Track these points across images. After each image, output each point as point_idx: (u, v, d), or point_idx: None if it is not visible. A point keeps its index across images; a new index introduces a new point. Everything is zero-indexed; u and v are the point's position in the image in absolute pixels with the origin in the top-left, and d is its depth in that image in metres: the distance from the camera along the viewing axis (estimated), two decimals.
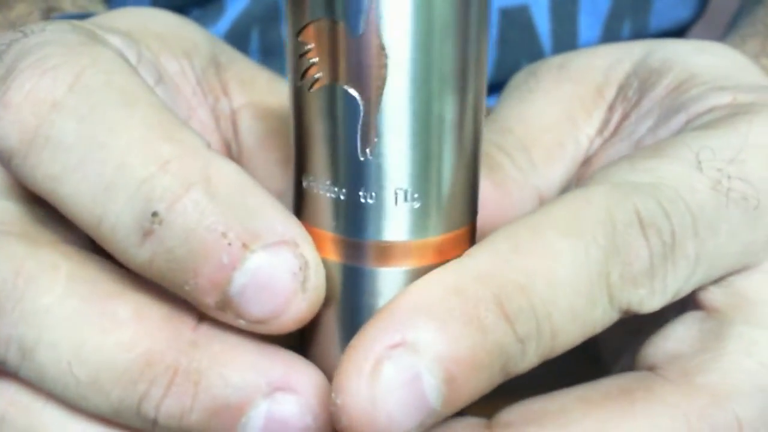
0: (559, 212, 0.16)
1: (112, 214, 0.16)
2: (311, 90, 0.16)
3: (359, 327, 0.16)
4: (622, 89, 0.22)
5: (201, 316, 0.17)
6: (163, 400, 0.16)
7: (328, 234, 0.17)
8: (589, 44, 0.48)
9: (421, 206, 0.16)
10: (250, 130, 0.22)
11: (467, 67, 0.16)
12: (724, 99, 0.20)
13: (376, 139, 0.16)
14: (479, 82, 0.16)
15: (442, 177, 0.16)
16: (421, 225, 0.16)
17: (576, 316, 0.16)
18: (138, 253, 0.16)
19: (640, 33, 0.49)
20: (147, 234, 0.16)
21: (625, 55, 0.23)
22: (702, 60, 0.22)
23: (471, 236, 0.18)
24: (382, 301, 0.17)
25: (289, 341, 0.18)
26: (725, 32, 0.45)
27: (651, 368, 0.18)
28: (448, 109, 0.16)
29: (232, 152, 0.23)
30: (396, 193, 0.16)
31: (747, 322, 0.18)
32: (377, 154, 0.16)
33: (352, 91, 0.15)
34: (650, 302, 0.17)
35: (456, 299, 0.15)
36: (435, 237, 0.17)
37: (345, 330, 0.17)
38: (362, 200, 0.16)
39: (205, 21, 0.42)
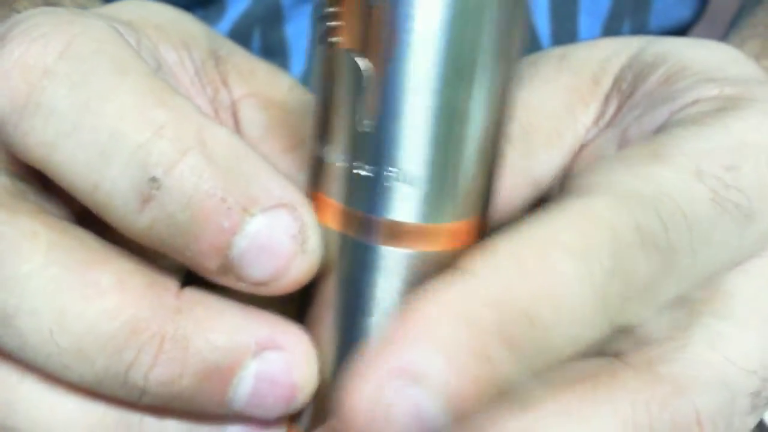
0: (564, 229, 0.16)
1: (108, 181, 0.16)
2: (328, 53, 0.16)
3: (354, 300, 0.17)
4: (616, 82, 0.22)
5: (182, 282, 0.17)
6: (153, 368, 0.16)
7: (332, 202, 0.17)
8: None
9: (420, 190, 0.16)
10: (251, 121, 0.23)
11: (491, 57, 0.15)
12: (710, 91, 0.20)
13: (376, 113, 0.16)
14: (504, 75, 0.16)
15: (442, 165, 0.16)
16: (415, 209, 0.16)
17: (576, 340, 0.16)
18: (137, 219, 0.16)
19: (640, 33, 0.49)
20: (146, 200, 0.16)
21: (623, 48, 0.23)
22: (694, 53, 0.22)
23: (479, 228, 0.17)
24: (378, 277, 0.17)
25: (288, 312, 0.18)
26: (726, 32, 0.45)
27: (617, 354, 0.18)
28: (458, 97, 0.15)
29: None
30: (389, 172, 0.16)
31: (716, 314, 0.18)
32: (376, 128, 0.16)
33: (363, 60, 0.15)
34: (642, 316, 0.17)
35: (464, 329, 0.15)
36: (432, 224, 0.16)
37: (341, 301, 0.17)
38: (358, 171, 0.16)
39: (206, 21, 0.42)
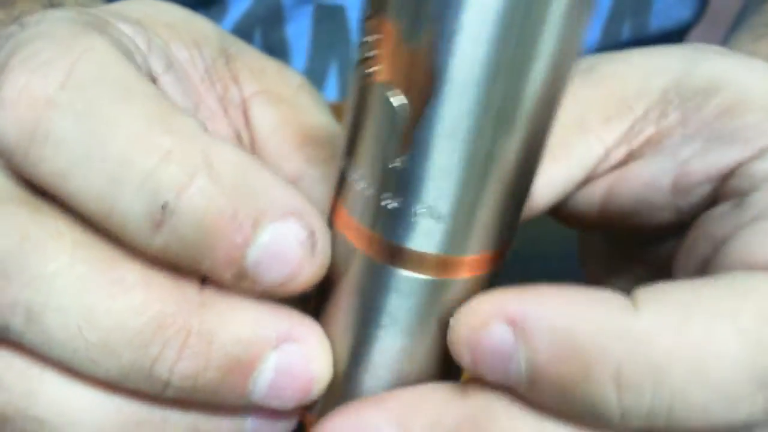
0: (739, 305, 0.16)
1: (121, 208, 0.16)
2: (365, 82, 0.16)
3: (368, 313, 0.17)
4: (657, 104, 0.22)
5: (204, 278, 0.17)
6: (178, 361, 0.17)
7: (355, 223, 0.17)
8: (589, 44, 0.48)
9: (445, 226, 0.16)
10: (262, 118, 0.23)
11: (530, 108, 0.15)
12: None
13: (408, 150, 0.15)
14: (541, 123, 0.16)
15: (471, 204, 0.16)
16: (443, 243, 0.16)
17: (707, 420, 0.16)
18: (151, 242, 0.16)
19: (641, 33, 0.49)
20: (158, 224, 0.16)
21: (661, 68, 0.22)
22: (751, 80, 0.21)
23: (499, 257, 0.17)
24: (395, 297, 0.17)
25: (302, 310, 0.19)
26: (729, 31, 0.45)
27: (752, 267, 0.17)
28: (494, 143, 0.15)
29: (243, 141, 0.23)
30: (418, 208, 0.16)
31: None
32: (407, 164, 0.16)
33: (398, 97, 0.15)
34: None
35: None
36: (454, 255, 0.16)
37: (356, 312, 0.18)
38: (384, 203, 0.16)
39: None
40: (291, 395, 0.18)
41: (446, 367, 0.18)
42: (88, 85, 0.17)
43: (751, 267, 0.17)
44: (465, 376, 0.18)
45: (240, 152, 0.17)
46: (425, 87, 0.15)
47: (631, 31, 0.49)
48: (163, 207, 0.16)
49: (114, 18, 0.20)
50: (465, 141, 0.15)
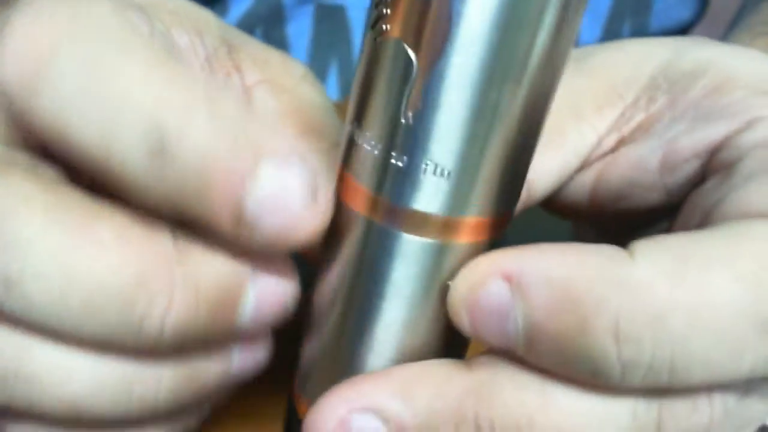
0: (736, 252, 0.16)
1: (120, 146, 0.16)
2: (376, 40, 0.16)
3: (370, 282, 0.17)
4: (646, 90, 0.22)
5: (172, 231, 0.17)
6: (168, 314, 0.17)
7: (360, 187, 0.17)
8: (589, 44, 0.48)
9: (450, 185, 0.16)
10: (264, 107, 0.23)
11: (537, 63, 0.15)
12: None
13: (419, 106, 0.16)
14: (549, 81, 0.16)
15: (477, 162, 0.16)
16: (448, 203, 0.16)
17: (711, 370, 0.15)
18: (150, 182, 0.16)
19: (641, 33, 0.49)
20: (156, 160, 0.16)
21: (650, 55, 0.22)
22: (738, 62, 0.21)
23: (501, 224, 0.18)
24: (398, 263, 0.17)
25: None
26: (727, 31, 0.45)
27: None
28: (502, 99, 0.15)
29: None
30: (426, 164, 0.16)
31: None
32: (417, 120, 0.16)
33: (410, 52, 0.15)
34: None
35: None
36: (457, 217, 0.16)
37: (357, 281, 0.18)
38: (393, 161, 0.16)
39: None
40: (272, 315, 0.18)
41: (449, 342, 0.18)
42: (91, 34, 0.16)
43: (747, 216, 0.17)
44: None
45: (239, 97, 0.17)
46: (436, 39, 0.15)
47: (630, 31, 0.49)
48: (161, 140, 0.16)
49: (123, 5, 0.20)
50: (473, 96, 0.15)
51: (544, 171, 0.22)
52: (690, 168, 0.21)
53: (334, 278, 0.18)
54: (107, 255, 0.16)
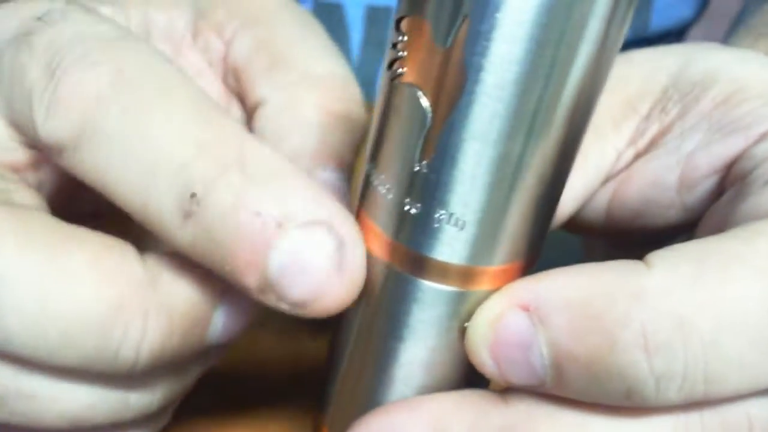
0: (754, 249, 0.15)
1: (155, 198, 0.16)
2: (393, 82, 0.15)
3: (388, 325, 0.17)
4: (659, 102, 0.22)
5: (141, 250, 0.18)
6: (144, 339, 0.17)
7: (378, 231, 0.17)
8: None
9: (467, 235, 0.16)
10: (240, 45, 0.23)
11: (559, 116, 0.15)
12: None
13: (433, 156, 0.15)
14: (571, 131, 0.15)
15: (494, 212, 0.15)
16: (465, 252, 0.16)
17: (742, 372, 0.15)
18: (181, 235, 0.16)
19: (641, 32, 0.49)
20: (187, 216, 0.16)
21: (660, 66, 0.22)
22: (747, 70, 0.21)
23: (525, 268, 0.17)
24: (417, 309, 0.17)
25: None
26: (729, 31, 0.45)
27: None
28: (518, 154, 0.15)
29: (230, 85, 0.23)
30: (441, 214, 0.15)
31: None
32: (431, 169, 0.15)
33: (424, 99, 0.15)
34: None
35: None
36: (478, 266, 0.16)
37: (376, 323, 0.17)
38: (407, 208, 0.16)
39: None
40: (238, 331, 0.19)
41: (469, 383, 0.18)
42: (135, 83, 0.17)
43: (760, 218, 0.17)
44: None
45: (276, 154, 0.17)
46: (452, 89, 0.14)
47: (632, 29, 0.48)
48: (192, 197, 0.16)
49: (94, 3, 0.20)
50: (489, 147, 0.15)
51: (569, 193, 0.21)
52: (708, 184, 0.20)
53: (353, 314, 0.18)
54: (82, 282, 0.16)
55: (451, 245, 0.16)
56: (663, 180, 0.21)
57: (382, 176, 0.16)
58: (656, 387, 0.15)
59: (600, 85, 0.15)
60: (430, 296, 0.16)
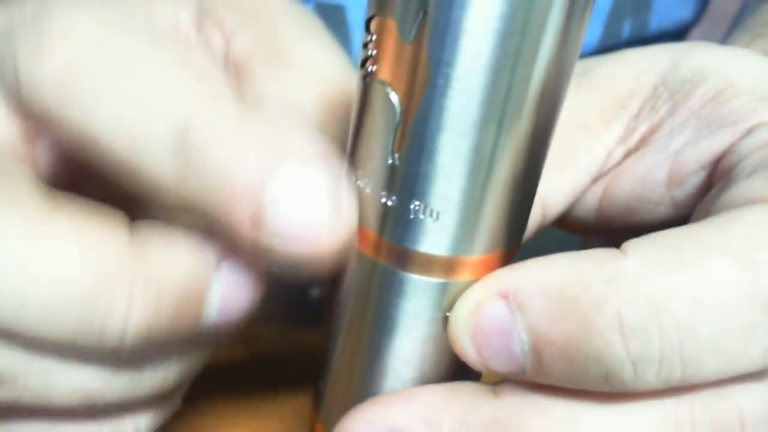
0: (730, 234, 0.15)
1: (146, 143, 0.16)
2: (365, 80, 0.16)
3: (375, 320, 0.17)
4: (648, 100, 0.22)
5: (129, 222, 0.17)
6: (130, 311, 0.16)
7: (361, 227, 0.17)
8: (590, 43, 0.48)
9: (442, 225, 0.16)
10: (241, 41, 0.22)
11: (524, 104, 0.15)
12: None
13: (405, 148, 0.16)
14: (541, 120, 0.16)
15: (466, 202, 0.16)
16: (442, 243, 0.16)
17: (722, 356, 0.15)
18: (173, 180, 0.16)
19: (641, 32, 0.49)
20: (180, 158, 0.16)
21: (651, 65, 0.22)
22: (737, 67, 0.21)
23: (508, 257, 0.17)
24: (402, 302, 0.17)
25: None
26: (728, 31, 0.45)
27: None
28: (486, 141, 0.15)
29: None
30: (416, 205, 0.16)
31: None
32: (403, 162, 0.16)
33: (394, 95, 0.15)
34: None
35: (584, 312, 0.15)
36: (459, 256, 0.16)
37: (363, 318, 0.18)
38: (383, 200, 0.16)
39: None
40: (238, 313, 0.18)
41: (459, 375, 0.18)
42: (121, 36, 0.17)
43: (737, 206, 0.17)
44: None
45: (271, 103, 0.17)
46: (418, 84, 0.15)
47: (631, 30, 0.49)
48: (184, 141, 0.15)
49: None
50: (456, 139, 0.15)
51: (558, 190, 0.22)
52: (697, 180, 0.21)
53: (341, 310, 0.18)
54: (63, 253, 0.16)
55: (429, 236, 0.16)
56: (653, 177, 0.21)
57: (360, 172, 0.16)
58: (633, 370, 0.15)
59: (564, 74, 0.16)
60: (416, 288, 0.17)
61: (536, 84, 0.15)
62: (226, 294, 0.17)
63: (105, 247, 0.16)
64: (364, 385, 0.18)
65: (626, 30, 0.49)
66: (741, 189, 0.17)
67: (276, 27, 0.22)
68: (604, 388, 0.16)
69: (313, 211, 0.16)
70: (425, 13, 0.14)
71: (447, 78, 0.15)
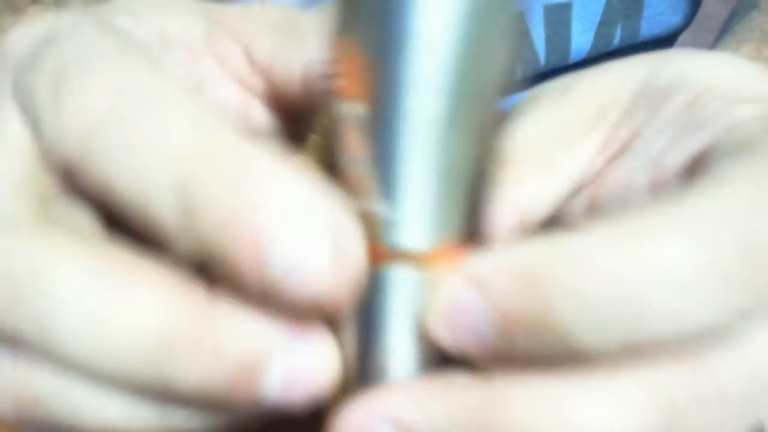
0: (686, 213, 0.16)
1: (154, 201, 0.17)
2: (329, 94, 0.17)
3: (361, 315, 0.18)
4: (628, 110, 0.22)
5: (208, 283, 0.18)
6: (188, 371, 0.17)
7: None
8: (582, 49, 0.49)
9: (404, 219, 0.17)
10: (263, 48, 0.23)
11: (469, 116, 0.17)
12: (748, 110, 0.20)
13: (365, 151, 0.17)
14: (482, 126, 0.17)
15: (425, 198, 0.17)
16: (405, 236, 0.17)
17: (678, 321, 0.16)
18: (182, 236, 0.17)
19: (632, 38, 0.50)
20: (186, 216, 0.16)
21: (630, 75, 0.23)
22: (713, 73, 0.21)
23: (474, 243, 0.18)
24: (382, 297, 0.18)
25: None
26: (717, 37, 0.46)
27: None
28: (427, 142, 0.17)
29: (252, 88, 0.24)
30: (378, 203, 0.17)
31: None
32: (365, 163, 0.17)
33: (353, 105, 0.17)
34: None
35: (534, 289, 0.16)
36: (422, 250, 0.17)
37: (348, 320, 0.19)
38: (352, 203, 0.17)
39: None
40: (301, 395, 0.18)
41: (448, 365, 0.19)
42: (131, 99, 0.17)
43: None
44: None
45: (271, 154, 0.17)
46: (369, 95, 0.16)
47: (621, 36, 0.49)
48: (188, 201, 0.16)
49: (112, 15, 0.21)
50: (408, 140, 0.17)
51: (537, 199, 0.22)
52: (678, 183, 0.21)
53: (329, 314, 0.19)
54: (140, 308, 0.17)
55: (394, 231, 0.17)
56: (635, 182, 0.22)
57: (332, 178, 0.18)
58: (595, 337, 0.16)
59: (495, 72, 0.17)
60: (395, 284, 0.18)
61: (474, 82, 0.16)
62: (289, 375, 0.17)
63: (180, 310, 0.17)
64: (359, 380, 0.19)
65: (617, 36, 0.49)
66: (703, 178, 0.18)
67: (295, 29, 0.23)
68: (572, 359, 0.16)
69: (315, 264, 0.16)
70: (365, 28, 0.16)
71: (393, 86, 0.16)
